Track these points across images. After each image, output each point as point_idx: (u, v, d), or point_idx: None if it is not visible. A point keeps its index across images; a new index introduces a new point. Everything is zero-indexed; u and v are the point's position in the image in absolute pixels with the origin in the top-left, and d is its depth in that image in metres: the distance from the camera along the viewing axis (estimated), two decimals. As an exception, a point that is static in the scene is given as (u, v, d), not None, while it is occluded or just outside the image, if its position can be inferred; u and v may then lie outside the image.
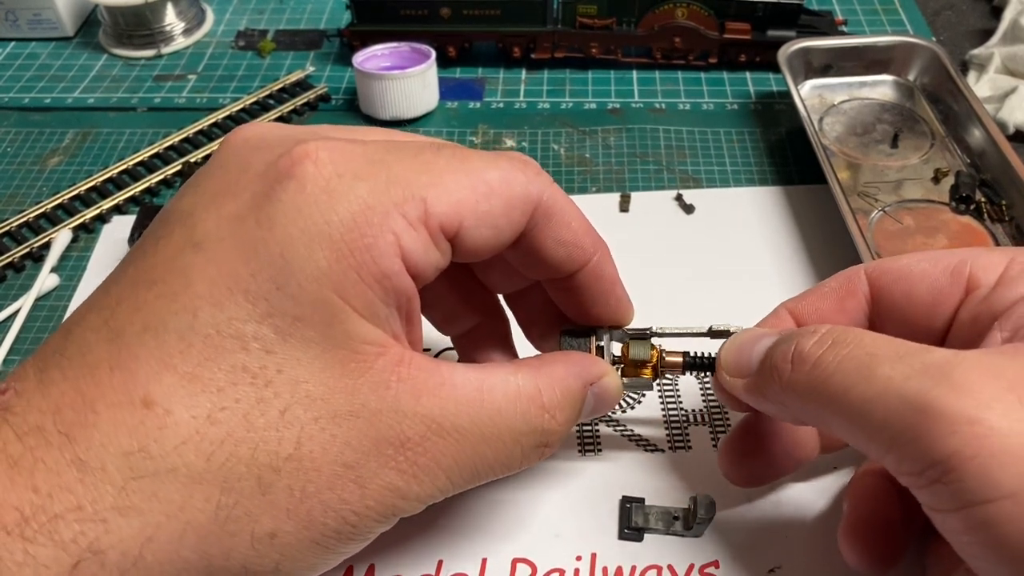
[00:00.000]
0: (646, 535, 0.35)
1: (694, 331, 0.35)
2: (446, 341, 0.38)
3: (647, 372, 0.34)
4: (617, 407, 0.40)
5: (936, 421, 0.24)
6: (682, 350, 0.35)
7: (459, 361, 0.37)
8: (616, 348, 0.34)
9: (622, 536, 0.35)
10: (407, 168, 0.27)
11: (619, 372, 0.34)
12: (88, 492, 0.23)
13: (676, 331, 0.35)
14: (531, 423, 0.29)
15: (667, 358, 0.34)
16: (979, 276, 0.30)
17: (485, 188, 0.28)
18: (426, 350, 0.43)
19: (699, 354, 0.34)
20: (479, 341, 0.37)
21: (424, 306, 0.36)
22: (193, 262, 0.25)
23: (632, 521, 0.36)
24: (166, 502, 0.24)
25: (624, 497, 0.36)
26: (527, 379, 0.29)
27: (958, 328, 0.30)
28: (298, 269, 0.25)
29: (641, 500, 0.36)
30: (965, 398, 0.23)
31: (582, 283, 0.32)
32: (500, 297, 0.37)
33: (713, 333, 0.35)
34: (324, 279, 0.25)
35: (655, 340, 0.35)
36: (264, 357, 0.25)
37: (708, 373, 0.34)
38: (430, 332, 0.37)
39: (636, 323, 0.36)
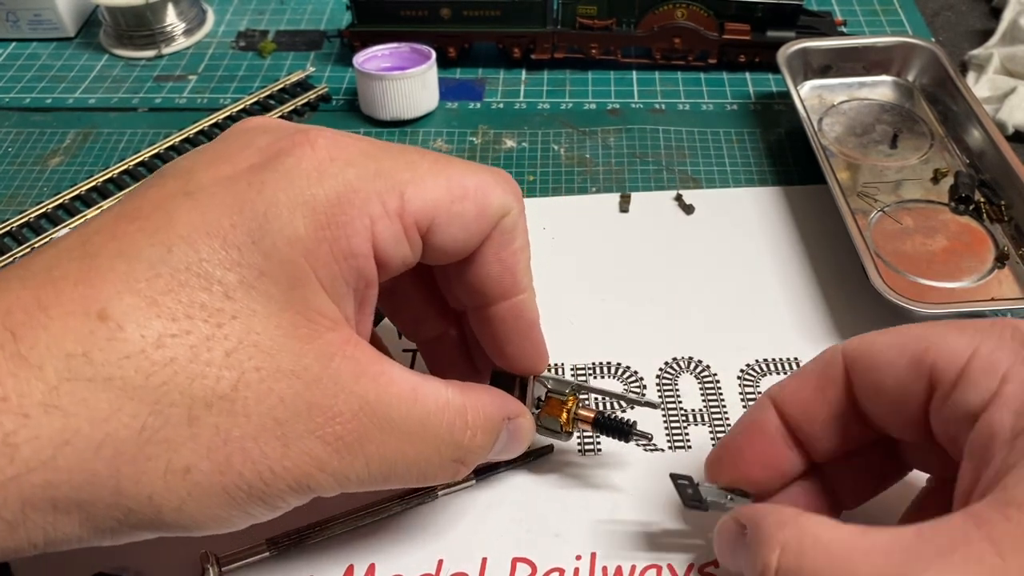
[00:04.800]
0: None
1: (613, 392, 0.37)
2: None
3: (563, 417, 0.35)
4: (617, 407, 0.40)
5: None
6: (599, 410, 0.36)
7: (427, 367, 0.39)
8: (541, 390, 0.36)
9: (689, 506, 0.33)
10: (393, 165, 0.29)
11: (536, 418, 0.36)
12: (18, 385, 0.23)
13: (598, 390, 0.37)
14: (454, 436, 0.30)
15: (580, 412, 0.36)
16: (941, 371, 0.28)
17: (460, 191, 0.30)
18: (404, 351, 0.43)
19: (611, 415, 0.36)
20: (444, 349, 0.38)
21: (392, 311, 0.38)
22: (180, 206, 0.27)
23: (695, 494, 0.33)
24: (94, 409, 0.24)
25: (673, 474, 0.34)
26: (456, 395, 0.30)
27: (937, 426, 0.29)
28: (276, 229, 0.26)
29: (689, 478, 0.34)
30: None
31: (502, 317, 0.33)
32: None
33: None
34: (298, 244, 0.26)
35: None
36: (223, 300, 0.26)
37: (617, 437, 0.36)
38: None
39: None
